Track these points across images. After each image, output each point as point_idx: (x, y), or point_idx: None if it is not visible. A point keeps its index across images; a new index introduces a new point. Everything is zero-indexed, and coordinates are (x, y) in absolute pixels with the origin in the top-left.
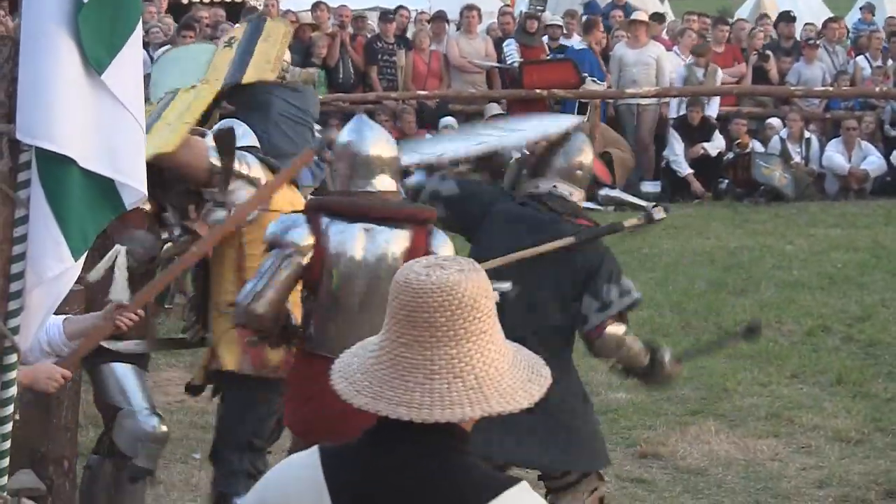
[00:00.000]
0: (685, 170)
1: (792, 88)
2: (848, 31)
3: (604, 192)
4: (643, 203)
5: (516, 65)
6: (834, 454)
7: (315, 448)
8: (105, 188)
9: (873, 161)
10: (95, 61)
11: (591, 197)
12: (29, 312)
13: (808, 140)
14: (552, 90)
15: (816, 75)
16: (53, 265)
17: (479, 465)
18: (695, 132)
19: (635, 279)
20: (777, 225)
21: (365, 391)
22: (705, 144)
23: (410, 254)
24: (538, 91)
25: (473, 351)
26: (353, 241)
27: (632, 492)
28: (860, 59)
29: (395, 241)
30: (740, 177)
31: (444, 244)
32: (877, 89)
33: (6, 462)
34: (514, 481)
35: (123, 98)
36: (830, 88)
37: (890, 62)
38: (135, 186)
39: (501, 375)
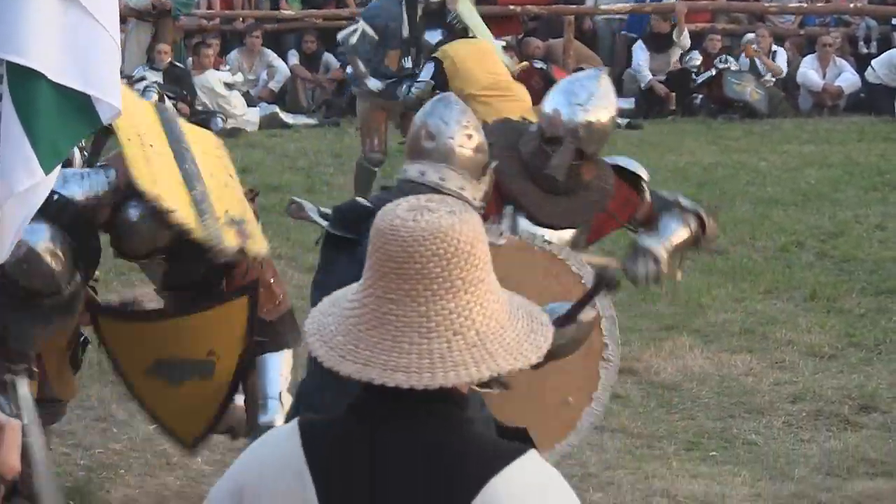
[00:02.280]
0: (646, 78)
1: (766, 4)
2: None
3: None
4: (620, 119)
5: None
6: (808, 369)
7: (294, 421)
8: (80, 104)
9: (847, 77)
10: None
11: None
12: (2, 225)
13: (775, 53)
14: (525, 6)
15: None
16: (24, 179)
17: (481, 433)
18: (662, 41)
19: None
20: (751, 142)
21: (350, 356)
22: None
23: None
24: (512, 7)
25: (472, 303)
26: None
27: (606, 407)
28: None
29: None
30: (714, 93)
31: None
32: (851, 6)
33: None
34: (522, 450)
35: (97, 14)
36: (805, 4)
37: None
38: (110, 102)
39: (503, 328)
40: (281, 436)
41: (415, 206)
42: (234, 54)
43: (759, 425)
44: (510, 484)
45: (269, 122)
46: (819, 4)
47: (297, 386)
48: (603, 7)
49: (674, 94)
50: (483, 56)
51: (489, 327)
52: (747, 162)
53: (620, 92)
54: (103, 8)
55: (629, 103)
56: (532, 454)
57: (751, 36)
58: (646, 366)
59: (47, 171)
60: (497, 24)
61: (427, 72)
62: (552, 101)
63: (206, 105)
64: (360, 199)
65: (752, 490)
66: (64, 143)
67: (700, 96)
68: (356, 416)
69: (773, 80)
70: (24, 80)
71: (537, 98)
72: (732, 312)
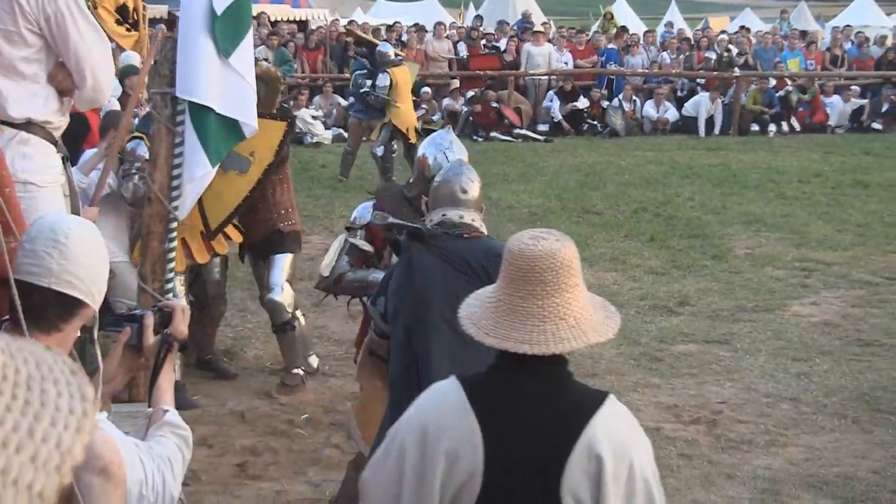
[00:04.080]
0: (558, 116)
1: (626, 70)
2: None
3: (516, 131)
4: (540, 137)
5: (466, 56)
6: (649, 281)
7: (454, 378)
8: (232, 125)
9: (671, 112)
10: (224, 50)
11: (507, 133)
12: (184, 198)
13: (635, 101)
14: (486, 71)
15: (639, 62)
16: (199, 169)
17: (581, 384)
18: (567, 95)
19: (535, 182)
20: (616, 150)
21: (492, 333)
22: (575, 102)
23: None
24: (477, 71)
25: (571, 299)
26: None
27: None
28: (664, 54)
29: None
30: (599, 120)
31: None
32: (673, 71)
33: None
34: (607, 394)
35: (242, 72)
36: (647, 70)
37: (681, 56)
38: (250, 124)
39: (591, 315)
40: (448, 390)
41: (534, 236)
42: (317, 98)
43: (621, 312)
44: (607, 418)
45: (336, 139)
46: (655, 70)
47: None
48: (530, 72)
49: (572, 128)
50: (408, 80)
51: (582, 315)
52: (614, 161)
53: (539, 120)
54: (246, 70)
55: (545, 127)
56: (612, 397)
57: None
58: None
59: (213, 165)
60: (468, 81)
61: (383, 80)
62: (426, 150)
63: (301, 129)
64: (419, 225)
65: (617, 350)
66: (223, 148)
67: (587, 124)
68: (499, 374)
69: (630, 112)
70: (199, 111)
71: (493, 123)
72: (605, 248)
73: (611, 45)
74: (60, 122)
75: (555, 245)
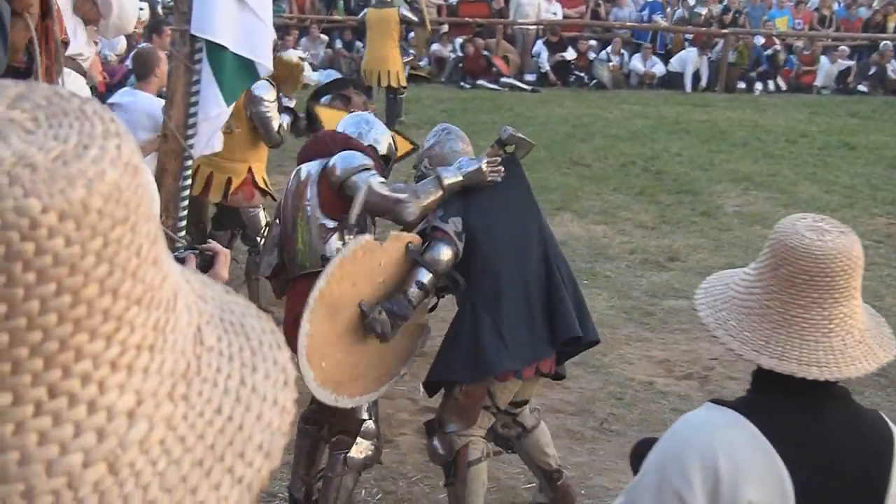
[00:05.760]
0: (546, 66)
1: (612, 22)
2: None
3: (503, 80)
4: (527, 87)
5: (455, 2)
6: (639, 235)
7: (721, 408)
8: (247, 65)
9: (658, 67)
10: None
11: (494, 81)
12: (199, 136)
13: (622, 54)
14: (475, 18)
15: (627, 15)
16: (214, 108)
17: (855, 401)
18: (555, 45)
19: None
20: (604, 102)
21: (765, 350)
22: (563, 53)
23: None
24: (467, 18)
25: (856, 307)
26: None
27: None
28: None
29: None
30: (586, 72)
31: None
32: (663, 25)
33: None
34: (877, 412)
35: (258, 11)
36: (636, 24)
37: (672, 11)
38: (265, 65)
39: (868, 326)
40: (727, 420)
41: (814, 228)
42: (304, 40)
43: (611, 266)
44: None
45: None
46: (644, 25)
47: None
48: (519, 21)
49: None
50: (385, 24)
51: (865, 325)
52: (601, 114)
53: (527, 69)
54: (263, 9)
55: (532, 77)
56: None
57: (593, 43)
58: None
59: (228, 104)
60: (457, 28)
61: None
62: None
63: None
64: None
65: (608, 304)
66: (238, 88)
67: (574, 75)
68: (790, 401)
69: (618, 65)
70: (215, 50)
71: (481, 71)
72: (595, 201)
73: None
74: (89, 54)
75: (844, 241)
